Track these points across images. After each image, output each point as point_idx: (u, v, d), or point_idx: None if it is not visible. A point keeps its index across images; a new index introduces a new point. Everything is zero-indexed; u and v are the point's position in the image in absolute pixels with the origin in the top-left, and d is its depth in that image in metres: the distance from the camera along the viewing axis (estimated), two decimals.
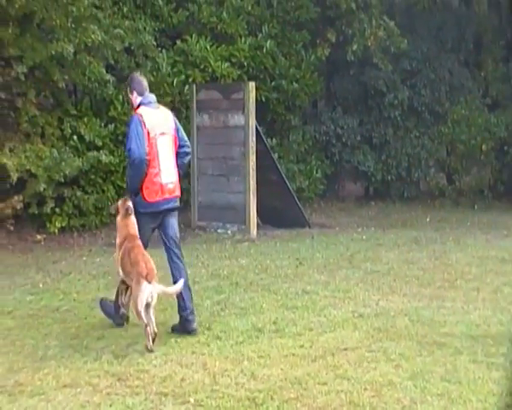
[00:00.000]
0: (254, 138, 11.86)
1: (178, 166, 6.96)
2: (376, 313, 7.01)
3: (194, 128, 12.57)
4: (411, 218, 14.37)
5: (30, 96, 11.38)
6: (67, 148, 11.58)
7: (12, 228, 11.25)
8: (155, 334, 6.14)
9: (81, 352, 5.94)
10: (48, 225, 11.48)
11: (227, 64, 13.74)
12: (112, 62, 12.32)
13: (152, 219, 6.90)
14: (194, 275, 8.62)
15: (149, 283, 6.31)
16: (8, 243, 11.05)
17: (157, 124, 6.76)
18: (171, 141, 6.88)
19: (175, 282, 6.69)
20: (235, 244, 10.99)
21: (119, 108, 12.52)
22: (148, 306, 6.19)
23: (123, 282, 6.72)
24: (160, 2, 13.69)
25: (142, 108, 6.84)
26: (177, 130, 6.95)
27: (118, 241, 6.76)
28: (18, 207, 11.06)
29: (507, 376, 5.38)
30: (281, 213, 12.71)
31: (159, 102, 7.01)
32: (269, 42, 14.55)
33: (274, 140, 14.71)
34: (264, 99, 14.31)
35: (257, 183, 11.84)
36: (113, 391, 5.19)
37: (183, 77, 13.35)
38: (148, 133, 6.67)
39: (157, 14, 13.72)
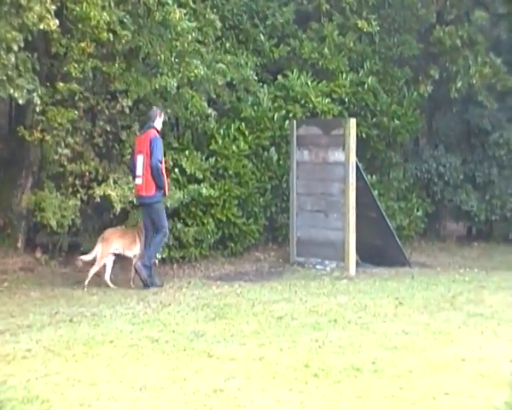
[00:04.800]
0: (354, 175, 11.78)
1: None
2: (479, 358, 6.75)
3: (294, 163, 12.59)
4: None
5: (134, 128, 11.68)
6: (169, 180, 11.77)
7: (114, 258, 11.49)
8: None
9: (179, 384, 5.93)
10: None
11: (328, 100, 13.75)
12: (214, 96, 12.52)
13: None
14: (292, 311, 8.57)
15: None
16: (110, 273, 11.29)
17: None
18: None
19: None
20: (333, 281, 10.87)
21: (220, 142, 12.68)
22: None
23: None
24: (262, 38, 13.86)
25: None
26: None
27: None
28: None
29: None
30: (380, 251, 12.54)
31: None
32: (370, 78, 14.51)
33: (374, 177, 14.57)
34: (364, 136, 14.23)
35: (356, 220, 11.73)
36: None
37: (283, 112, 13.43)
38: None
39: (259, 50, 13.90)
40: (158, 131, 10.54)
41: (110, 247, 10.55)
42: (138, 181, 10.45)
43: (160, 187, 10.40)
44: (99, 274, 10.57)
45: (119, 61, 11.12)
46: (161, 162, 10.39)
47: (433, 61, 15.77)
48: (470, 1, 16.00)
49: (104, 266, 10.56)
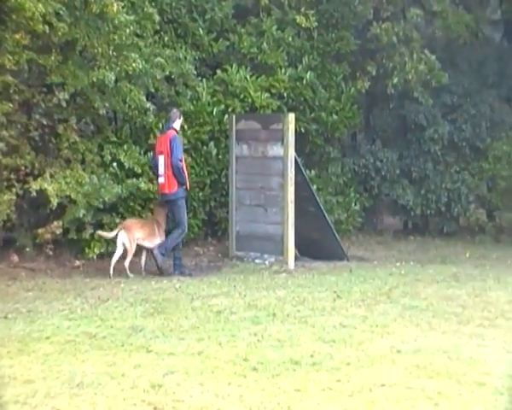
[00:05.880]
0: (293, 169, 11.84)
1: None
2: (415, 350, 6.89)
3: (233, 158, 12.60)
4: (450, 254, 14.22)
5: (71, 122, 11.50)
6: (107, 174, 11.66)
7: (51, 253, 11.33)
8: None
9: (118, 380, 5.90)
10: (86, 250, 11.54)
11: (267, 95, 13.78)
12: (152, 91, 12.42)
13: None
14: (231, 305, 8.61)
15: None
16: (46, 268, 11.14)
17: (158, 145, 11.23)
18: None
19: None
20: (272, 275, 10.94)
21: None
22: None
23: None
24: (201, 32, 13.79)
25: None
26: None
27: None
28: (57, 233, 11.15)
29: None
30: (319, 245, 12.65)
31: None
32: (309, 73, 14.57)
33: (313, 171, 14.68)
34: (303, 130, 14.32)
35: (295, 214, 11.80)
36: None
37: (222, 106, 13.42)
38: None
39: (198, 44, 13.83)
40: (177, 132, 11.24)
41: (134, 236, 11.00)
42: (161, 180, 11.08)
43: (181, 183, 11.04)
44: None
45: (56, 54, 10.92)
46: (181, 160, 11.03)
47: (370, 57, 15.96)
48: None
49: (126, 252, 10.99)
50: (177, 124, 11.31)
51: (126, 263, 10.88)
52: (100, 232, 11.20)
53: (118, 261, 10.92)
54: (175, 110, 11.50)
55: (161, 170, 11.02)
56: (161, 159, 11.00)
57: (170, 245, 11.13)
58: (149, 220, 11.53)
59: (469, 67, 17.17)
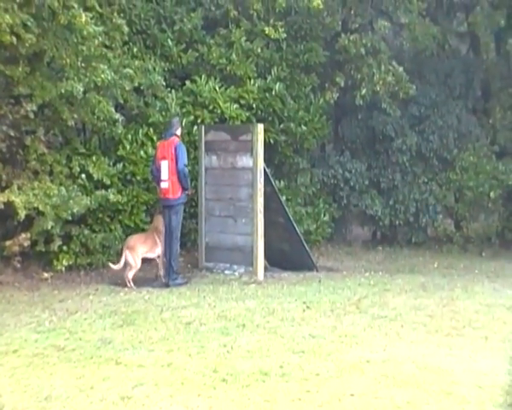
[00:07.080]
0: (262, 180, 11.86)
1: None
2: (383, 360, 6.94)
3: (202, 169, 12.60)
4: (419, 263, 14.35)
5: (39, 134, 11.41)
6: (75, 186, 11.59)
7: (19, 265, 11.21)
8: None
9: (86, 392, 5.88)
10: (55, 262, 11.46)
11: (236, 106, 13.80)
12: (121, 102, 12.38)
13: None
14: (200, 316, 8.60)
15: None
16: (14, 281, 11.02)
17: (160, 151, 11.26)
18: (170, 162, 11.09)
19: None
20: (241, 286, 10.94)
21: (128, 148, 12.56)
22: None
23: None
24: (170, 43, 13.80)
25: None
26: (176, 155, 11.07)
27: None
28: (25, 245, 11.04)
29: None
30: (288, 255, 12.68)
31: None
32: (278, 84, 14.63)
33: (282, 182, 14.73)
34: (272, 141, 14.38)
35: (264, 225, 11.82)
36: None
37: (191, 117, 13.42)
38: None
39: (166, 55, 13.83)
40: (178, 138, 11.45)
41: (139, 253, 11.17)
42: (164, 185, 11.17)
43: (185, 188, 11.28)
44: None
45: (23, 65, 10.83)
46: (186, 166, 11.25)
47: (338, 68, 16.07)
48: (374, 10, 16.39)
49: (130, 268, 11.09)
50: (179, 131, 11.52)
51: (130, 275, 11.00)
52: (111, 265, 11.16)
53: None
54: (177, 118, 11.85)
55: (165, 175, 11.12)
56: (165, 164, 11.11)
57: (175, 263, 11.33)
58: (150, 232, 11.62)
59: (436, 79, 17.36)
